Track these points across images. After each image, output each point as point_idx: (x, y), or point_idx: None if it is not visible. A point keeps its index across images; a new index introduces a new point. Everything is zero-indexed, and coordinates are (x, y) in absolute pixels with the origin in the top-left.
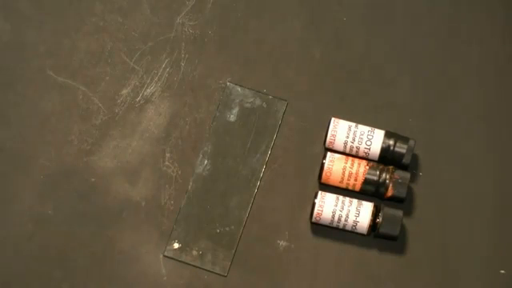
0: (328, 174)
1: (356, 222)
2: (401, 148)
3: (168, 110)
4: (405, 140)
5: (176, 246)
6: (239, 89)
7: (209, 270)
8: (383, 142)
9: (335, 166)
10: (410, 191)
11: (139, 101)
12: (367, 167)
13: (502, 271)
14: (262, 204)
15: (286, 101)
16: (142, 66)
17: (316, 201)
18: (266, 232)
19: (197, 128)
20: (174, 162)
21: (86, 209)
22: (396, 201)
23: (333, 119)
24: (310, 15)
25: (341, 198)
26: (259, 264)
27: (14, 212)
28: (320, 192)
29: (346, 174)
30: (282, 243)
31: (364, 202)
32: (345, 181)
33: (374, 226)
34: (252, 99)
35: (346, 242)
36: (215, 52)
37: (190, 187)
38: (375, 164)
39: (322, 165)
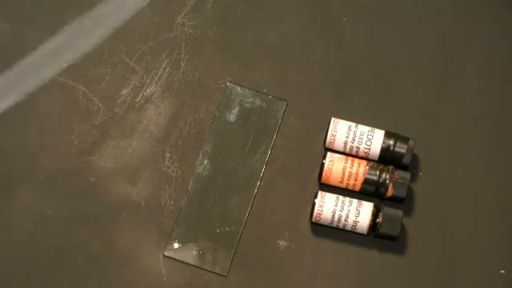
0: (328, 174)
1: (356, 222)
2: (401, 148)
3: (168, 110)
4: (405, 140)
5: (176, 246)
6: (239, 89)
7: (209, 270)
8: (383, 142)
9: (335, 166)
10: (409, 191)
11: (139, 101)
12: (367, 167)
13: (502, 271)
14: (261, 204)
15: (285, 101)
16: (142, 66)
17: (316, 201)
18: (266, 232)
19: (197, 128)
20: (174, 162)
21: (85, 209)
22: (396, 201)
23: (333, 119)
24: (310, 15)
25: (341, 197)
26: (259, 264)
27: (14, 212)
28: (320, 192)
29: (346, 174)
30: (282, 243)
31: (364, 202)
32: (345, 181)
33: (374, 225)
34: (252, 99)
35: (346, 242)
36: (215, 52)
37: (189, 187)
38: (375, 164)
39: (322, 165)
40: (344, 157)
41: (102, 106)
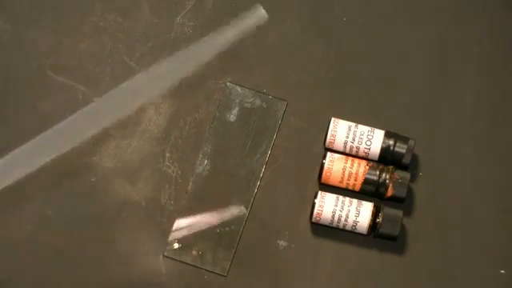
0: (328, 173)
1: (356, 222)
2: (401, 148)
3: (168, 110)
4: (405, 140)
5: (176, 246)
6: (239, 89)
7: (209, 270)
8: (383, 142)
9: (335, 166)
10: (409, 191)
11: None
12: (367, 167)
13: (502, 271)
14: (262, 204)
15: (285, 101)
16: (142, 66)
17: (316, 201)
18: (266, 232)
19: (197, 128)
20: (174, 162)
21: (85, 209)
22: (396, 201)
23: (333, 119)
24: (310, 15)
25: (341, 197)
26: (259, 264)
27: (14, 212)
28: (320, 192)
29: (346, 174)
30: (282, 243)
31: (364, 202)
32: (345, 181)
33: (373, 226)
34: (252, 99)
35: (345, 242)
36: (215, 52)
37: (189, 187)
38: (375, 164)
39: (322, 165)
40: (344, 157)
41: None
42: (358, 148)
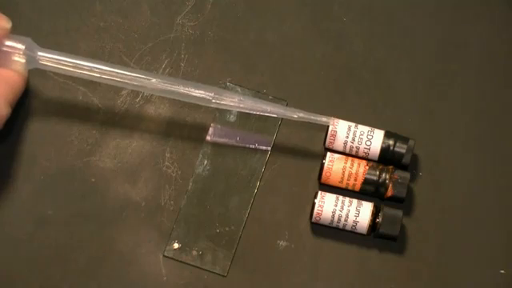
0: (328, 174)
1: (356, 222)
2: (401, 148)
3: (168, 110)
4: (405, 140)
5: (176, 246)
6: (239, 89)
7: (209, 270)
8: (383, 142)
9: (335, 166)
10: (409, 191)
11: (139, 101)
12: (367, 167)
13: (502, 271)
14: (261, 204)
15: (285, 101)
16: (142, 66)
17: (316, 201)
18: (266, 232)
19: (197, 128)
20: (174, 162)
21: (85, 209)
22: (396, 201)
23: (333, 119)
24: (310, 15)
25: (341, 197)
26: (259, 264)
27: (14, 212)
28: (320, 192)
29: (346, 173)
30: (282, 243)
31: (364, 202)
32: (345, 181)
33: (373, 225)
34: None
35: (346, 242)
36: (215, 52)
37: (189, 187)
38: (375, 164)
39: (322, 165)
40: (344, 157)
41: (101, 106)
42: (357, 148)
